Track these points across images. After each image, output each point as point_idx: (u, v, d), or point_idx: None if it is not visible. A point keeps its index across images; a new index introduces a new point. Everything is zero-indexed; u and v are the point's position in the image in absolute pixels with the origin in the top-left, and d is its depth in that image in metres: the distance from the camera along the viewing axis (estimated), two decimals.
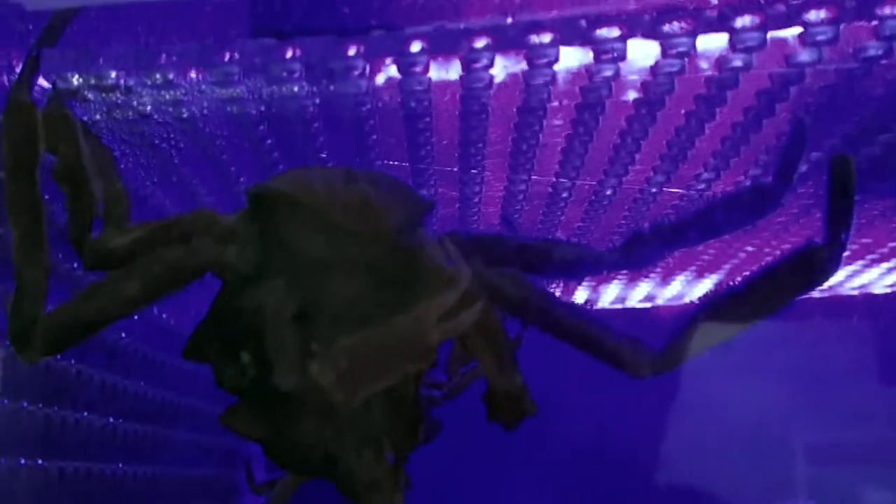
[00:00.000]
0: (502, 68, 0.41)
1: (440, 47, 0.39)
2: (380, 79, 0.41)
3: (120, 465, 0.57)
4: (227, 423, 0.35)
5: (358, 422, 0.33)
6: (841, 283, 0.84)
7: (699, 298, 0.35)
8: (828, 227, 0.33)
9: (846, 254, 0.33)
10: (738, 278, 0.35)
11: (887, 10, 0.38)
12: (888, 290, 0.86)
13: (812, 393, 0.88)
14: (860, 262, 0.76)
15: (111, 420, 0.56)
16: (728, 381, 0.85)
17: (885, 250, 0.73)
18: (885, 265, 0.77)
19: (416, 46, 0.39)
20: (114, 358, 0.58)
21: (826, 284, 0.34)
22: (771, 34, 0.39)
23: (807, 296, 0.34)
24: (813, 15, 0.38)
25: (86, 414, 0.53)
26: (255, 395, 0.34)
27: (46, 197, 0.34)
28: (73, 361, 0.51)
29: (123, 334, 0.59)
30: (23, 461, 0.45)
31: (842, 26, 0.38)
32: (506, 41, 0.39)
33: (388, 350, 0.31)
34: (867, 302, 0.88)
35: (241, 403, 0.34)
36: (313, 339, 0.32)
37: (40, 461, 0.47)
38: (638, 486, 0.89)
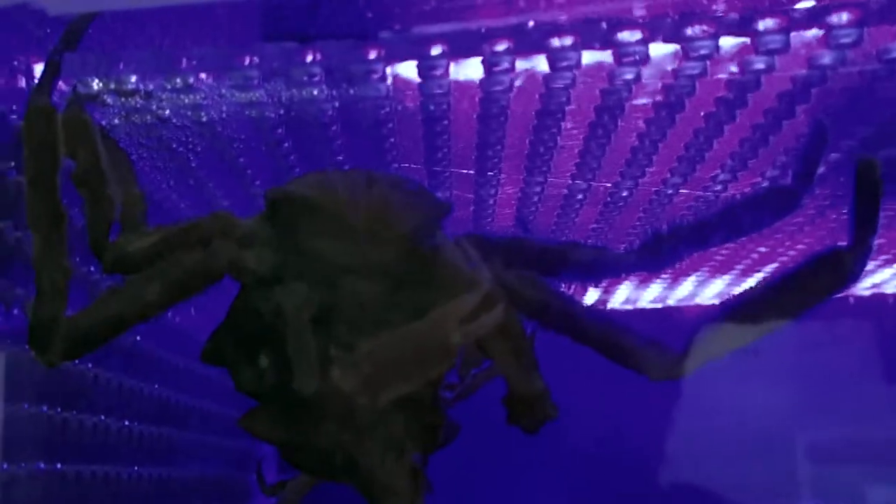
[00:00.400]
0: (522, 71, 0.40)
1: (460, 50, 0.39)
2: (399, 82, 0.41)
3: (136, 468, 0.57)
4: (246, 427, 0.34)
5: (377, 426, 0.33)
6: None
7: (720, 302, 0.35)
8: (854, 230, 0.33)
9: None
10: (751, 279, 0.34)
11: None
12: None
13: (820, 393, 0.88)
14: (873, 263, 0.76)
15: (127, 423, 0.56)
16: (737, 383, 0.84)
17: None
18: None
19: (436, 50, 0.39)
20: (130, 361, 0.58)
21: None
22: (794, 36, 0.38)
23: None
24: (836, 18, 0.37)
25: (103, 417, 0.53)
26: (274, 399, 0.33)
27: (65, 201, 0.34)
28: (90, 365, 0.51)
29: (139, 337, 0.59)
30: (42, 465, 0.45)
31: (865, 29, 0.38)
32: (527, 44, 0.38)
33: (410, 354, 0.30)
34: (877, 302, 0.87)
35: (260, 407, 0.34)
36: (332, 342, 0.32)
37: (59, 465, 0.47)
38: (643, 487, 0.89)
